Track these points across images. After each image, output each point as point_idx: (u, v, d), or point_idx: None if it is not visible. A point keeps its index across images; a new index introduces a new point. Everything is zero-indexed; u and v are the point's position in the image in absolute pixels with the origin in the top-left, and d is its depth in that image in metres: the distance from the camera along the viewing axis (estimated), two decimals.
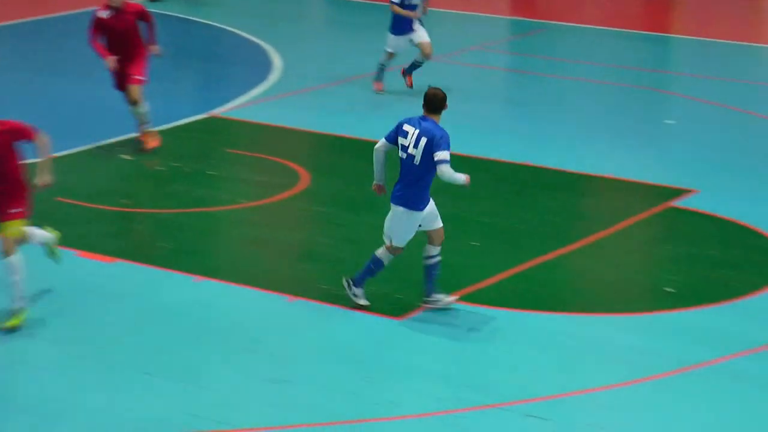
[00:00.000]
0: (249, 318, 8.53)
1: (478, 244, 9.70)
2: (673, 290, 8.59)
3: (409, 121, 7.66)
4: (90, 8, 14.84)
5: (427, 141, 7.28)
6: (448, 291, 8.57)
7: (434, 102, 7.57)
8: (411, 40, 13.97)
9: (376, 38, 16.24)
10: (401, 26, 13.86)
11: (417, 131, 7.43)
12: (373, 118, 13.79)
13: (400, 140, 7.85)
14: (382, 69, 14.17)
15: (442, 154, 7.27)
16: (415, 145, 7.44)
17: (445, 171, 7.35)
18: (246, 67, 18.14)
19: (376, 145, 7.81)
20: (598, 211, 11.48)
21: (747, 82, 16.91)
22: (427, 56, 13.97)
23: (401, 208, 7.60)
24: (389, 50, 13.94)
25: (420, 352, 7.81)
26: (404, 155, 7.53)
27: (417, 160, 7.48)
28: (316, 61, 18.60)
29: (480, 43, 18.66)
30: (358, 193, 11.00)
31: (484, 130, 13.76)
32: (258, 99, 15.45)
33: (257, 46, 18.71)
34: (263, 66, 17.42)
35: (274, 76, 16.56)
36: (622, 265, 9.79)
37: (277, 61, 17.40)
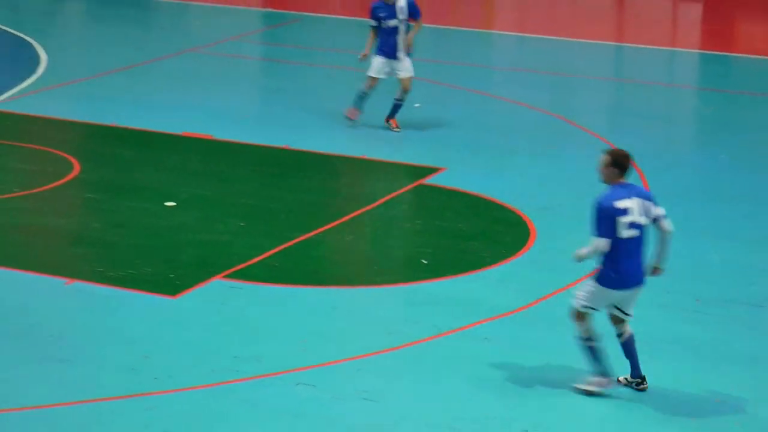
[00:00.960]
0: (27, 301, 8.46)
1: (244, 224, 9.88)
2: (427, 262, 9.04)
3: (618, 197, 6.74)
4: None
5: (647, 203, 6.68)
6: (218, 270, 8.79)
7: (628, 163, 6.96)
8: (393, 69, 13.02)
9: (135, 31, 18.32)
10: (384, 49, 12.93)
11: (637, 200, 6.69)
12: (138, 109, 14.00)
13: (623, 220, 6.92)
14: (361, 96, 13.03)
15: (661, 209, 6.76)
16: (643, 214, 6.69)
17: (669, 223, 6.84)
18: (10, 61, 17.89)
19: (602, 247, 6.65)
20: (354, 190, 11.86)
21: (482, 66, 18.23)
22: (405, 91, 13.09)
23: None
24: (371, 74, 12.95)
25: (194, 328, 7.92)
26: (635, 231, 6.65)
27: (645, 227, 6.84)
28: (80, 54, 18.83)
29: (237, 35, 19.09)
30: (126, 180, 11.48)
31: (242, 118, 14.09)
32: (26, 92, 15.38)
33: (21, 40, 18.60)
34: (28, 59, 17.36)
35: (40, 69, 16.55)
36: (380, 240, 10.26)
37: (42, 54, 17.33)
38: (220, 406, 6.86)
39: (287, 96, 15.56)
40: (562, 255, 8.49)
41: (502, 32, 22.57)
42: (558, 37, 20.60)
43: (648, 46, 19.75)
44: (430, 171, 11.90)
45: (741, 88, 17.85)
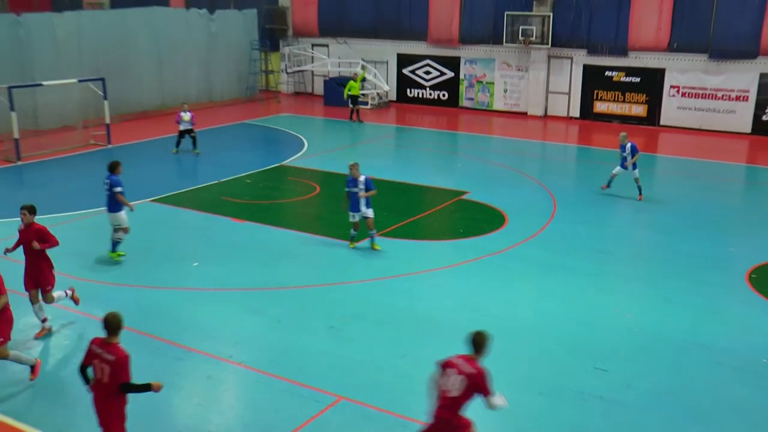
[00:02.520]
0: None
1: (386, 214, 18.45)
2: (462, 231, 18.09)
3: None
4: None
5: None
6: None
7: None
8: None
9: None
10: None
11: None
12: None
13: None
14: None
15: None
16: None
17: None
18: (293, 145, 27.20)
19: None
20: (429, 200, 20.88)
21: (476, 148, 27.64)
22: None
23: None
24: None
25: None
26: None
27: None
28: (324, 139, 29.97)
29: None
30: None
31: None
32: (298, 157, 25.19)
33: (294, 136, 28.75)
34: (300, 144, 27.27)
35: (304, 148, 26.47)
36: (445, 222, 18.93)
37: (305, 141, 27.24)
38: None
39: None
40: (521, 230, 17.06)
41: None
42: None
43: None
44: (463, 192, 20.60)
45: None
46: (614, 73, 32.00)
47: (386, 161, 25.78)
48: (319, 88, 39.14)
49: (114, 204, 15.17)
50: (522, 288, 14.29)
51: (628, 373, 11.12)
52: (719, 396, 10.61)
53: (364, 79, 34.04)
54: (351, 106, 31.92)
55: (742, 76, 29.55)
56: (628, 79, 31.81)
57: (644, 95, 31.63)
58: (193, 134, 25.71)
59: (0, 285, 10.16)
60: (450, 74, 35.68)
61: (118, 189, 15.04)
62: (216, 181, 21.72)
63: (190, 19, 35.95)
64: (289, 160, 25.08)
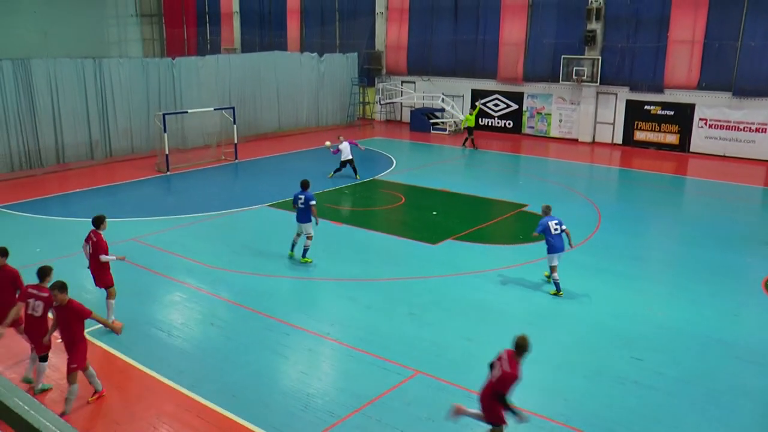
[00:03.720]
0: None
1: (456, 221, 19.27)
2: (522, 237, 18.29)
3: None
4: None
5: None
6: (451, 235, 17.86)
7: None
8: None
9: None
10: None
11: None
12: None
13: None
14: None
15: None
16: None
17: None
18: (384, 162, 27.34)
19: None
20: (498, 211, 21.36)
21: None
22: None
23: None
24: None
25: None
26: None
27: None
28: (410, 158, 29.23)
29: None
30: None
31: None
32: (388, 172, 24.98)
33: (385, 155, 28.65)
34: (389, 161, 27.52)
35: (393, 165, 26.57)
36: (507, 229, 19.17)
37: (393, 159, 27.36)
38: None
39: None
40: (571, 239, 17.54)
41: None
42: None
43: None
44: (523, 205, 20.51)
45: None
46: (652, 107, 31.25)
47: (460, 177, 25.69)
48: (406, 117, 39.33)
49: (305, 215, 15.01)
50: (570, 286, 14.03)
51: (659, 363, 10.82)
52: (736, 384, 10.23)
53: (478, 113, 34.01)
54: (467, 135, 31.42)
55: (761, 111, 28.67)
56: (663, 113, 31.02)
57: (677, 126, 30.79)
58: (353, 163, 24.31)
59: (20, 286, 9.54)
60: (515, 106, 35.33)
61: (313, 202, 14.93)
62: (321, 191, 21.95)
63: (304, 61, 36.53)
64: (380, 175, 25.16)
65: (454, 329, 11.90)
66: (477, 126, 35.24)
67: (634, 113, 31.70)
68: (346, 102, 39.03)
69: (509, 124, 35.88)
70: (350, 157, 24.09)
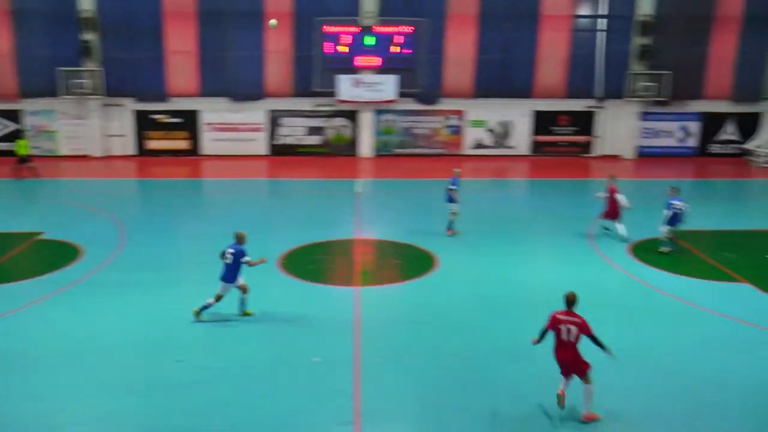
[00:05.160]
0: None
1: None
2: None
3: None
4: None
5: None
6: None
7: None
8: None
9: None
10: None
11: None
12: None
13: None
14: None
15: None
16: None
17: None
18: None
19: None
20: None
21: None
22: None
23: None
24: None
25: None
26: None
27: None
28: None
29: None
30: None
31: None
32: None
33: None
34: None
35: None
36: None
37: None
38: None
39: None
40: (97, 258, 17.15)
41: None
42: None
43: None
44: (38, 233, 19.53)
45: None
46: (159, 116, 32.25)
47: None
48: None
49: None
50: (104, 306, 13.92)
51: (199, 358, 11.61)
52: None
53: None
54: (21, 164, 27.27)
55: (256, 113, 32.22)
56: (172, 120, 32.27)
57: (186, 132, 32.45)
58: None
59: None
60: (13, 126, 32.41)
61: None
62: None
63: None
64: None
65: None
66: None
67: (144, 123, 32.24)
68: None
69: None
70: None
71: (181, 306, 13.87)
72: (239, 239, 13.09)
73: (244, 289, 13.18)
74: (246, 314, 13.26)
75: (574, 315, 9.70)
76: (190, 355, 11.83)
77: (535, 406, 10.23)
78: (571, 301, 9.78)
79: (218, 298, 13.02)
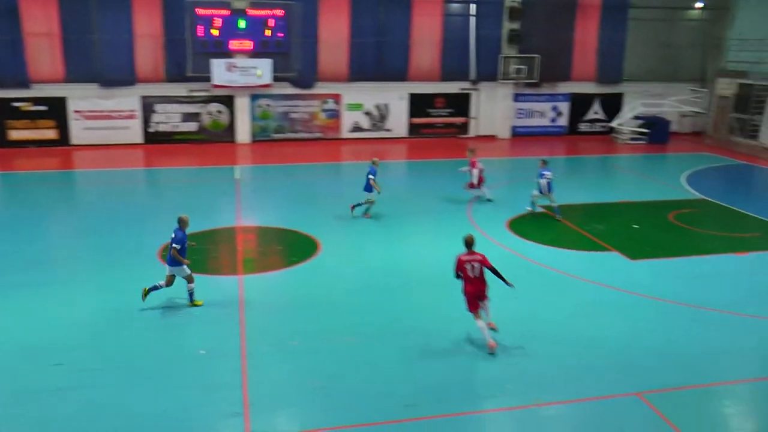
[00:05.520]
0: None
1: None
2: None
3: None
4: None
5: None
6: None
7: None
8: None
9: None
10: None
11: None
12: None
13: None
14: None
15: None
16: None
17: None
18: None
19: None
20: None
21: None
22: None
23: None
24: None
25: None
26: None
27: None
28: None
29: None
30: None
31: None
32: None
33: None
34: None
35: None
36: None
37: None
38: None
39: None
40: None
41: None
42: None
43: None
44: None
45: None
46: (22, 104, 30.18)
47: None
48: None
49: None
50: None
51: (82, 360, 11.10)
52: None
53: None
54: None
55: (129, 99, 30.98)
56: (36, 108, 30.29)
57: (54, 121, 30.57)
58: None
59: None
60: None
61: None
62: None
63: None
64: None
65: None
66: None
67: (5, 111, 30.14)
68: None
69: None
70: None
71: (55, 306, 13.27)
72: (180, 223, 13.05)
73: (189, 279, 13.07)
74: (194, 305, 13.12)
75: (475, 253, 11.16)
76: (70, 357, 11.25)
77: (430, 379, 10.48)
78: (470, 242, 11.20)
79: (169, 282, 13.00)
